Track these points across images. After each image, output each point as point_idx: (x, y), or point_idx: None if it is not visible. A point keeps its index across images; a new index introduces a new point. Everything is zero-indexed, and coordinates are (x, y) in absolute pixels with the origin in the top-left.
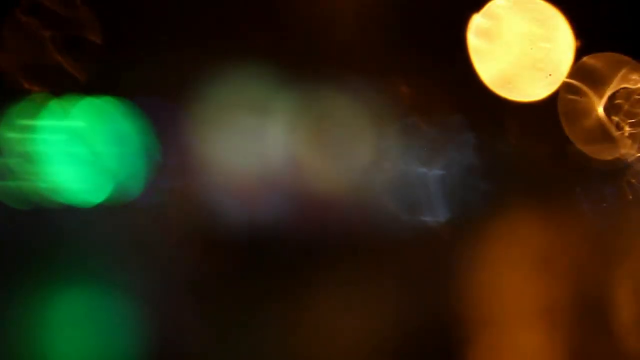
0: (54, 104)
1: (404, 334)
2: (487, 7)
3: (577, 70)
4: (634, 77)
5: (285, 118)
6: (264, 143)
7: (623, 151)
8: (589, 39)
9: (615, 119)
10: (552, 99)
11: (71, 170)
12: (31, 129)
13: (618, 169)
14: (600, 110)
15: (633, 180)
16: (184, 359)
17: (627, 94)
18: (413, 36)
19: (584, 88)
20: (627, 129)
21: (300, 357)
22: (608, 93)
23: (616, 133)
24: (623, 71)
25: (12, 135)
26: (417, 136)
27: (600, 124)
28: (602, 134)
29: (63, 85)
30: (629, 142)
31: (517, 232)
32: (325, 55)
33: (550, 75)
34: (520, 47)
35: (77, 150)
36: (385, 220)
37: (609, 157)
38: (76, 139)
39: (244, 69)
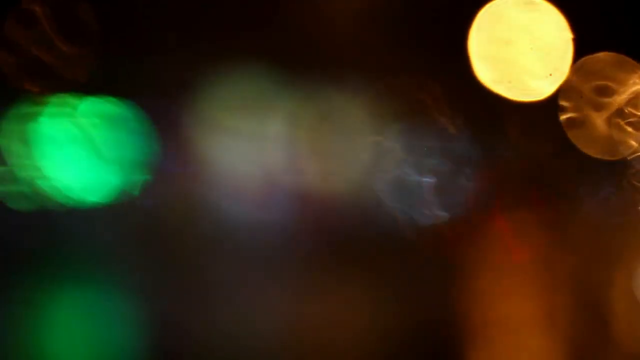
0: (55, 105)
1: (403, 334)
2: (487, 7)
3: (577, 70)
4: (634, 77)
5: (285, 118)
6: (264, 143)
7: (623, 151)
8: (589, 39)
9: (616, 118)
10: (552, 99)
11: (72, 171)
12: (31, 130)
13: (618, 169)
14: (600, 110)
15: (634, 181)
16: (183, 357)
17: (627, 93)
18: (413, 36)
19: (584, 88)
20: (627, 128)
21: (300, 356)
22: (608, 93)
23: (616, 133)
24: (623, 71)
25: (12, 135)
26: (417, 136)
27: (600, 123)
28: (602, 134)
29: (63, 86)
30: (629, 142)
31: (517, 232)
32: (325, 56)
33: (550, 75)
34: (520, 47)
35: (77, 150)
36: (385, 220)
37: (610, 157)
38: (76, 139)
39: (244, 69)
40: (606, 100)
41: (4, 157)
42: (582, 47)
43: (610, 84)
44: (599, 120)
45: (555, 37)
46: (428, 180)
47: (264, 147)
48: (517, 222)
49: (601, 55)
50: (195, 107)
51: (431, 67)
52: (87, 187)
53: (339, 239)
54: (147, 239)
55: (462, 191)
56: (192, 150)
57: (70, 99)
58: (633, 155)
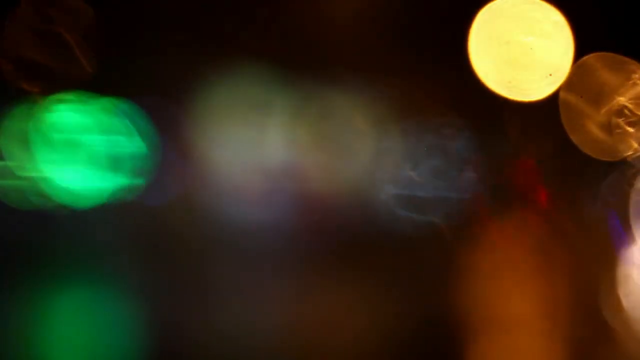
0: (54, 105)
1: (403, 334)
2: (487, 7)
3: (577, 70)
4: (634, 77)
5: (285, 118)
6: (264, 143)
7: (623, 151)
8: (589, 39)
9: (616, 119)
10: (552, 99)
11: (71, 170)
12: (31, 130)
13: (619, 169)
14: (600, 110)
15: (634, 181)
16: (183, 358)
17: (628, 94)
18: (413, 36)
19: (584, 88)
20: (627, 129)
21: (301, 356)
22: (608, 93)
23: (617, 133)
24: (623, 71)
25: (12, 135)
26: (416, 136)
27: (600, 124)
28: (603, 134)
29: (63, 86)
30: (629, 142)
31: (517, 233)
32: (325, 56)
33: (550, 75)
34: (520, 47)
35: (77, 150)
36: (385, 220)
37: (610, 158)
38: (76, 139)
39: (244, 69)
40: (606, 100)
41: (3, 157)
42: (582, 47)
43: (610, 84)
44: (599, 120)
45: (555, 37)
46: (428, 180)
47: (263, 147)
48: (517, 222)
49: (601, 55)
50: (195, 107)
51: (431, 67)
52: (87, 187)
53: (339, 239)
54: (147, 239)
55: (462, 191)
56: (192, 150)
57: (71, 99)
58: (633, 155)
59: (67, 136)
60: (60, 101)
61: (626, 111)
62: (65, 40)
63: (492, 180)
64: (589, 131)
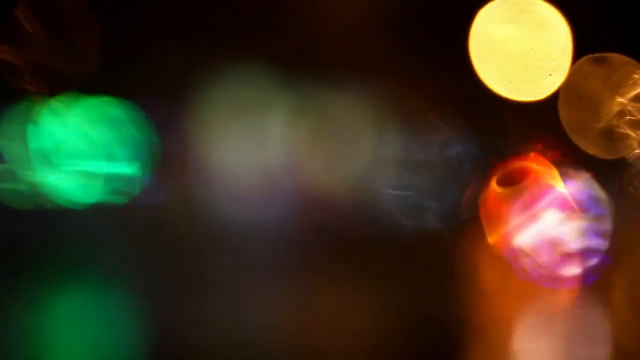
0: (54, 105)
1: (403, 334)
2: (487, 8)
3: (577, 70)
4: (634, 77)
5: (285, 118)
6: (264, 143)
7: (624, 151)
8: (589, 39)
9: (616, 118)
10: (552, 99)
11: (71, 171)
12: (31, 130)
13: (619, 169)
14: (600, 110)
15: (634, 180)
16: (183, 358)
17: (628, 94)
18: (413, 37)
19: (584, 88)
20: (627, 129)
21: (300, 355)
22: (608, 93)
23: (617, 133)
24: (623, 71)
25: (11, 135)
26: (416, 136)
27: (600, 124)
28: (603, 134)
29: (63, 86)
30: (629, 142)
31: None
32: (325, 56)
33: (550, 75)
34: (520, 47)
35: (77, 150)
36: (385, 221)
37: (610, 157)
38: (76, 139)
39: (244, 70)
40: (606, 100)
41: (3, 157)
42: (582, 47)
43: (610, 84)
44: (599, 120)
45: (555, 38)
46: (427, 180)
47: (263, 147)
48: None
49: (601, 55)
50: (195, 107)
51: (431, 67)
52: (87, 187)
53: (339, 239)
54: (147, 239)
55: (461, 191)
56: (192, 150)
57: (70, 99)
58: (633, 155)
59: (66, 136)
60: (60, 101)
61: (626, 111)
62: (65, 40)
63: (491, 181)
64: (589, 131)
